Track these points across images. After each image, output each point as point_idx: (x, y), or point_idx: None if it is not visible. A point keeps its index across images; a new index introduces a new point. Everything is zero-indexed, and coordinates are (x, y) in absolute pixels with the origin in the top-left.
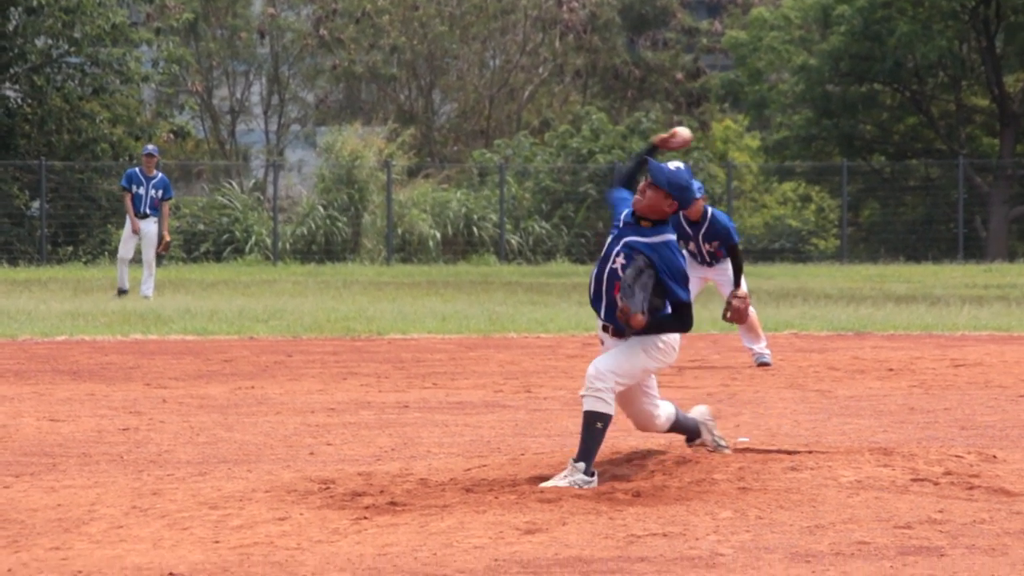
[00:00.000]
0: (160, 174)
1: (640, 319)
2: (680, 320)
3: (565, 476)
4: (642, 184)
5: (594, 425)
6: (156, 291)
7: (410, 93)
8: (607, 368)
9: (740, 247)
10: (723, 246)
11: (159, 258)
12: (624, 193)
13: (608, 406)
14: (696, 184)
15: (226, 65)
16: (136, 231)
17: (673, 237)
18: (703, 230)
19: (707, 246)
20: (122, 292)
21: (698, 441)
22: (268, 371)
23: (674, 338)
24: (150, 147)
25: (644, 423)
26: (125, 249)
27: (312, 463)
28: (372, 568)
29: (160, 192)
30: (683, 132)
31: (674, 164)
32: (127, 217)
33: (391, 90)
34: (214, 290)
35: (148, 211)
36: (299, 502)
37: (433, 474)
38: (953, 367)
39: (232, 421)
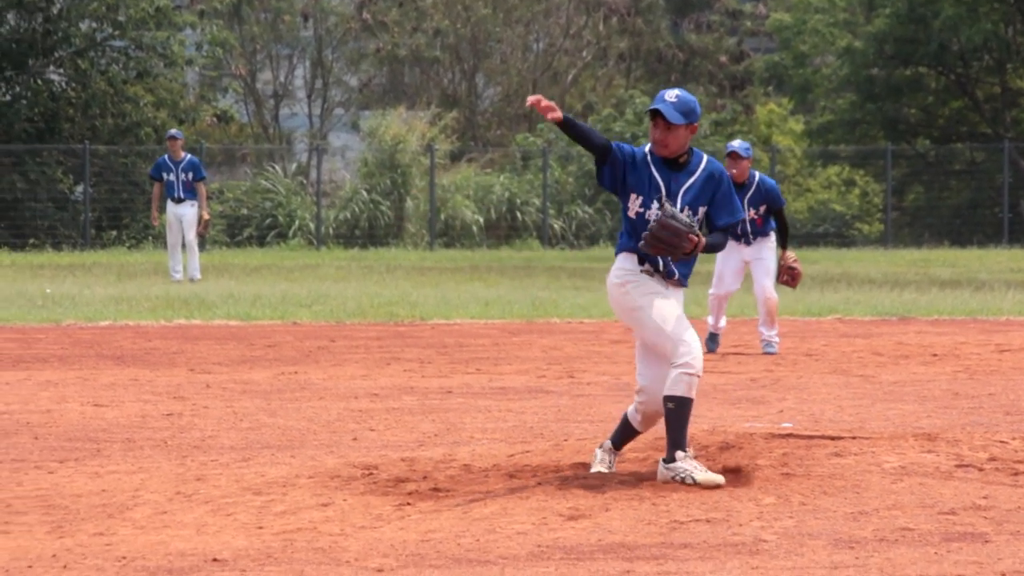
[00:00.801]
0: (188, 155)
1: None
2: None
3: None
4: (653, 132)
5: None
6: (200, 276)
7: (453, 77)
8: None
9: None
10: (770, 211)
11: (201, 239)
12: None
13: (677, 388)
14: (744, 144)
15: (270, 48)
16: (154, 223)
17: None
18: (749, 193)
19: (751, 211)
20: (176, 280)
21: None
22: (311, 356)
23: (626, 270)
24: (173, 131)
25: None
26: (172, 236)
27: (355, 449)
28: (415, 554)
29: (191, 174)
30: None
31: (672, 93)
32: (166, 203)
33: (434, 74)
34: (257, 275)
35: (183, 195)
36: (342, 488)
37: (476, 460)
38: (998, 352)
39: (275, 406)
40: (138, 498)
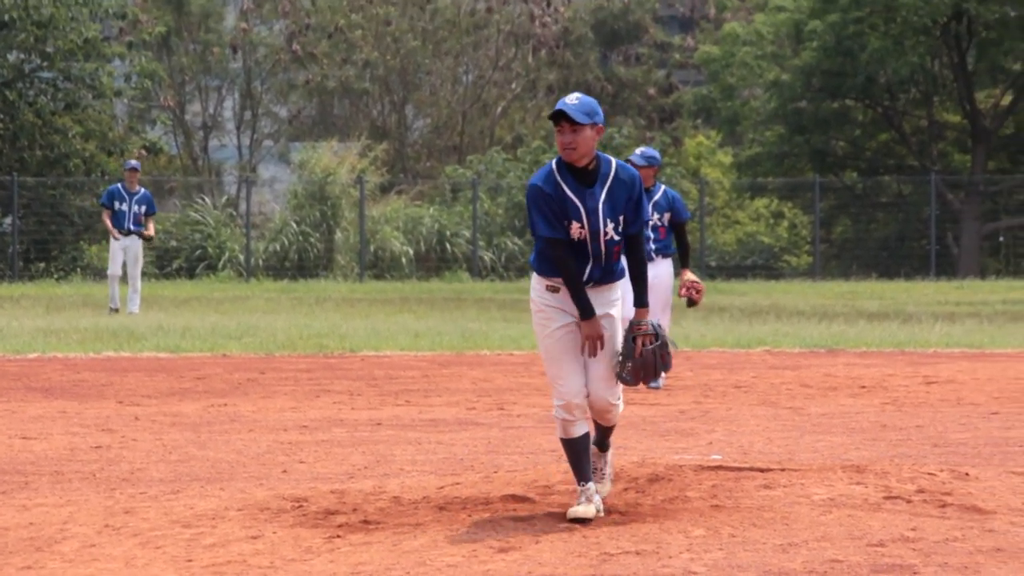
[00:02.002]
0: (143, 189)
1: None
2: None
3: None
4: (560, 138)
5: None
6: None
7: (383, 108)
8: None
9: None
10: (673, 223)
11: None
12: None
13: (558, 430)
14: (651, 151)
15: (199, 80)
16: (116, 237)
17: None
18: (654, 199)
19: (656, 216)
20: (113, 310)
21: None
22: (241, 388)
23: (537, 291)
24: (133, 162)
25: (594, 401)
26: (114, 266)
27: (285, 481)
28: None
29: (143, 208)
30: None
31: (573, 96)
32: (109, 232)
33: (364, 105)
34: (187, 307)
35: (132, 227)
36: (272, 520)
37: (406, 492)
38: (925, 384)
39: (205, 439)
40: (66, 531)
